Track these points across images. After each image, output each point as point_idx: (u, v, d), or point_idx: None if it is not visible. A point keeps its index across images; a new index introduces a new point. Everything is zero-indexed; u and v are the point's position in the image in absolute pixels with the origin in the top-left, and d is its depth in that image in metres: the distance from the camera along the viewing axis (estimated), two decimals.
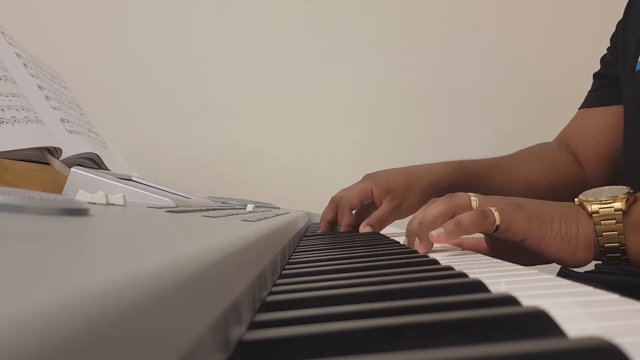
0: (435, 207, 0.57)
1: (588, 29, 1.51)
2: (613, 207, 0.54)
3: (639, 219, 0.54)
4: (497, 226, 0.54)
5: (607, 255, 0.55)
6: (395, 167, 1.52)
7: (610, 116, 0.86)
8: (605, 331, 0.18)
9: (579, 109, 0.93)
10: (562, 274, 0.76)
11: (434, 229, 0.54)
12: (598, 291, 0.29)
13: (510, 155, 0.91)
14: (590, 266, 0.79)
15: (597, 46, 1.50)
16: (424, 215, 0.57)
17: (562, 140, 0.94)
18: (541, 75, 1.52)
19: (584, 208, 0.56)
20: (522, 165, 0.88)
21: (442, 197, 0.59)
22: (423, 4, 1.54)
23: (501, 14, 1.54)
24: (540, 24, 1.53)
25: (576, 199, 0.58)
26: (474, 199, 0.57)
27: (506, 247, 0.59)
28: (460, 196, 0.57)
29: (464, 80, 1.53)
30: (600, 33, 1.50)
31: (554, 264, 0.69)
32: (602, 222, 0.55)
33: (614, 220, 0.54)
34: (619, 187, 0.56)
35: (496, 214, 0.54)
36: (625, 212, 0.54)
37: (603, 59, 0.92)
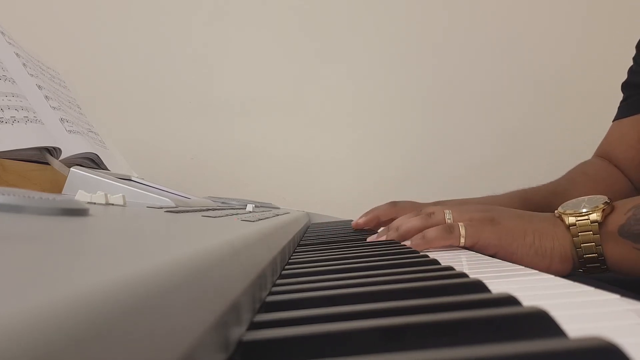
0: (411, 222, 0.62)
1: (589, 29, 1.51)
2: (589, 219, 0.55)
3: (614, 230, 0.55)
4: (464, 241, 0.57)
5: (587, 265, 0.56)
6: (395, 166, 1.53)
7: None
8: (605, 331, 0.18)
9: (612, 121, 0.93)
10: None
11: (403, 240, 0.60)
12: (598, 291, 0.29)
13: (563, 179, 0.91)
14: None
15: (599, 46, 1.50)
16: (400, 230, 0.62)
17: (602, 155, 0.94)
18: (542, 75, 1.52)
19: (562, 220, 0.57)
20: (579, 189, 0.89)
21: (423, 211, 0.63)
22: (423, 3, 1.54)
23: (501, 13, 1.54)
24: (541, 24, 1.53)
25: (555, 211, 0.59)
26: (449, 218, 0.61)
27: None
28: (437, 215, 0.61)
29: (463, 80, 1.53)
30: (602, 33, 1.50)
31: None
32: (579, 233, 0.56)
33: (591, 232, 0.55)
34: (598, 197, 0.57)
35: (462, 229, 0.57)
36: (601, 223, 0.55)
37: (630, 69, 0.92)
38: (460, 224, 0.57)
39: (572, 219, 0.56)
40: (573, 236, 0.56)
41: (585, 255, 0.56)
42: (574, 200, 0.58)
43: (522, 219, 0.59)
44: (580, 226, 0.56)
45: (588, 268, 0.57)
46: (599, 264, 0.56)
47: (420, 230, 0.60)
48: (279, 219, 0.55)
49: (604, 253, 0.55)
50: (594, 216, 0.55)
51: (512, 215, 0.60)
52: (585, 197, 0.58)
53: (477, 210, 0.61)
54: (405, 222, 0.62)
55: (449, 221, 0.60)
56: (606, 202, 0.56)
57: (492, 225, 0.57)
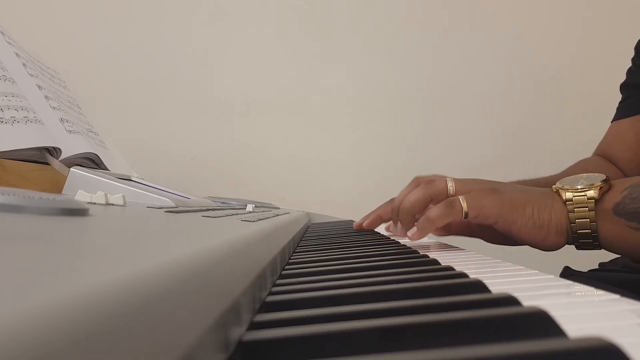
0: (414, 194, 0.62)
1: (589, 29, 1.51)
2: (586, 195, 0.56)
3: (609, 207, 0.55)
4: (466, 213, 0.57)
5: (580, 240, 0.57)
6: (395, 166, 1.53)
7: None
8: (605, 331, 0.18)
9: (611, 121, 0.94)
10: (564, 273, 0.76)
11: (412, 215, 0.61)
12: (598, 291, 0.29)
13: (563, 174, 0.92)
14: (594, 264, 0.79)
15: (599, 46, 1.50)
16: (404, 201, 0.62)
17: (601, 154, 0.95)
18: (542, 75, 1.52)
19: (560, 195, 0.58)
20: None
21: (422, 182, 0.63)
22: (422, 3, 1.54)
23: (501, 13, 1.54)
24: (541, 24, 1.53)
25: (553, 186, 0.59)
26: (451, 185, 0.61)
27: (485, 228, 0.61)
28: (438, 183, 0.61)
29: (463, 80, 1.53)
30: (602, 33, 1.50)
31: (557, 265, 0.69)
32: (575, 209, 0.56)
33: (587, 208, 0.56)
34: (596, 174, 0.58)
35: (463, 203, 0.57)
36: (597, 200, 0.56)
37: (629, 70, 0.93)
38: (460, 197, 0.58)
39: (569, 195, 0.57)
40: (569, 211, 0.57)
41: (578, 231, 0.56)
42: (572, 176, 0.59)
43: (522, 191, 0.59)
44: (576, 202, 0.56)
45: (580, 244, 0.57)
46: (591, 240, 0.57)
47: (423, 200, 0.61)
48: (279, 219, 0.55)
49: (597, 230, 0.56)
50: (591, 193, 0.56)
51: (512, 187, 0.61)
52: (584, 174, 0.58)
53: (479, 182, 0.61)
54: (408, 197, 0.62)
55: (450, 189, 0.60)
56: (604, 179, 0.57)
57: (494, 194, 0.58)
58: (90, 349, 0.09)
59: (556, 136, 1.49)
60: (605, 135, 0.96)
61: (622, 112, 0.91)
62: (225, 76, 1.53)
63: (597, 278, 0.67)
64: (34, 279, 0.11)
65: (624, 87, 0.93)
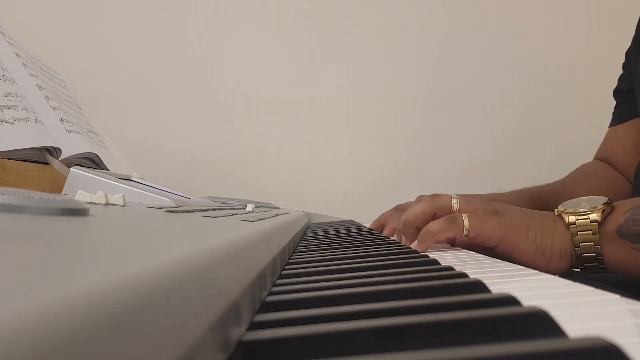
0: (418, 207, 0.62)
1: (589, 29, 1.51)
2: (589, 218, 0.56)
3: (613, 230, 0.55)
4: (467, 230, 0.57)
5: (585, 264, 0.56)
6: (395, 166, 1.52)
7: (635, 131, 0.88)
8: (605, 331, 0.18)
9: (608, 127, 0.95)
10: (563, 274, 0.76)
11: (415, 227, 0.61)
12: (599, 291, 0.29)
13: (566, 179, 0.93)
14: None
15: (599, 46, 1.50)
16: (407, 214, 0.62)
17: (601, 159, 0.96)
18: (541, 75, 1.52)
19: (562, 219, 0.57)
20: (581, 189, 0.89)
21: (427, 197, 0.63)
22: (423, 3, 1.54)
23: (501, 14, 1.54)
24: (541, 24, 1.53)
25: (555, 210, 0.59)
26: (455, 202, 0.61)
27: (487, 250, 0.60)
28: (443, 198, 0.61)
29: (463, 80, 1.53)
30: (602, 33, 1.50)
31: None
32: (579, 233, 0.56)
33: (590, 231, 0.56)
34: (598, 197, 0.57)
35: (466, 220, 0.57)
36: (600, 223, 0.55)
37: (620, 76, 0.94)
38: (464, 214, 0.57)
39: (572, 218, 0.56)
40: (572, 235, 0.56)
41: (583, 254, 0.56)
42: (573, 199, 0.58)
43: (524, 215, 0.59)
44: (580, 225, 0.56)
45: (585, 267, 0.57)
46: (596, 264, 0.56)
47: (427, 213, 0.61)
48: (279, 219, 0.55)
49: (601, 252, 0.55)
50: (594, 216, 0.56)
51: (515, 210, 0.61)
52: (585, 197, 0.58)
53: (482, 202, 0.61)
54: (412, 209, 0.62)
55: (454, 205, 0.60)
56: (606, 202, 0.56)
57: (496, 217, 0.57)
58: (90, 349, 0.09)
59: (556, 136, 1.49)
60: (603, 141, 0.97)
61: (617, 118, 0.93)
62: (225, 76, 1.53)
63: (596, 278, 0.67)
64: (34, 279, 0.11)
65: (616, 94, 0.94)
